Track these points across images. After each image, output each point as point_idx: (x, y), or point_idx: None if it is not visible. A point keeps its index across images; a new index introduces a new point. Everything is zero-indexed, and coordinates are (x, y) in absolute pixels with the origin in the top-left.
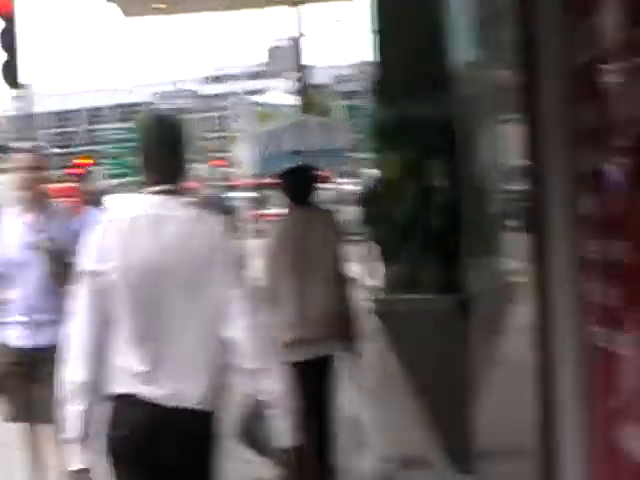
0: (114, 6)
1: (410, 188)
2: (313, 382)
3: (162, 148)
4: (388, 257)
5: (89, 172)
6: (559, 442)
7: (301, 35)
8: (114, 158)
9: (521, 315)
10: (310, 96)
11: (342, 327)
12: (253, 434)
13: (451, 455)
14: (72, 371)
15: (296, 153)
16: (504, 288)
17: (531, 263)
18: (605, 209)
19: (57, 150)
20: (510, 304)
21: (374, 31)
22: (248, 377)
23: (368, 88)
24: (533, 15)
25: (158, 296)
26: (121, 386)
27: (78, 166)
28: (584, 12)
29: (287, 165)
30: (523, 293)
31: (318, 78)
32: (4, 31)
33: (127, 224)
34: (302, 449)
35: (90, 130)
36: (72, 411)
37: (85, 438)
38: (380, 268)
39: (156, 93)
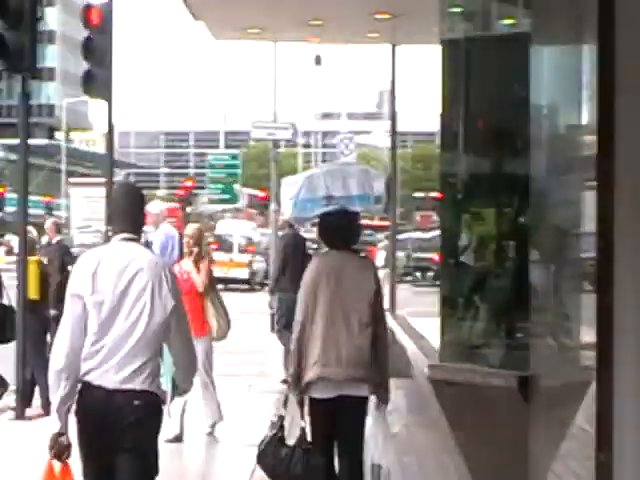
0: (203, 27)
1: (492, 247)
2: (332, 420)
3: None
4: (452, 318)
5: (192, 194)
6: None
7: (395, 77)
8: (215, 182)
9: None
10: (403, 143)
11: (372, 372)
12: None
13: None
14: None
15: (328, 198)
16: (574, 368)
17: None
18: None
19: (166, 170)
20: (581, 387)
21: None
22: None
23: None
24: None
25: None
26: None
27: (184, 188)
28: None
29: (318, 210)
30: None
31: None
32: (87, 39)
33: None
34: None
35: (196, 153)
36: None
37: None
38: (443, 328)
39: (256, 122)
